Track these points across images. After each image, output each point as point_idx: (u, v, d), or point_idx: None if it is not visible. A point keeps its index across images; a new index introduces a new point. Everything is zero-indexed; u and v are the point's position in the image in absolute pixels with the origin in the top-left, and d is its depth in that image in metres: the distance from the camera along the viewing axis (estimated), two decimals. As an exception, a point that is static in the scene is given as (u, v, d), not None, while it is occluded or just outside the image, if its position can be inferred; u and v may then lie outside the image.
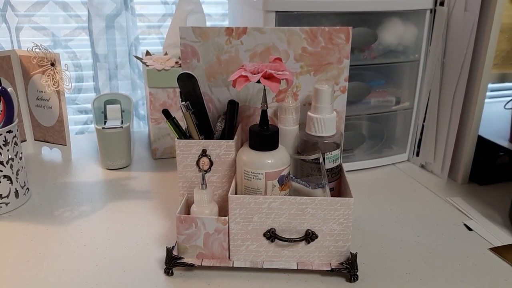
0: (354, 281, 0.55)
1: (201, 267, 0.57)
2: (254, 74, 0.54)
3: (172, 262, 0.56)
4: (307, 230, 0.56)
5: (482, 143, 0.83)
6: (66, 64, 0.86)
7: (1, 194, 0.70)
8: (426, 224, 0.69)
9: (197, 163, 0.61)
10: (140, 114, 1.17)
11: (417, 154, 0.91)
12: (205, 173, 0.61)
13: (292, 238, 0.56)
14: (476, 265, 0.59)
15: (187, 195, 0.62)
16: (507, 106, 1.05)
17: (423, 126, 0.88)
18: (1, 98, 0.70)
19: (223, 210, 0.61)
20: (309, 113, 0.62)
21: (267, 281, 0.55)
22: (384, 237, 0.65)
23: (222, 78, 0.65)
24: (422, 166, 0.90)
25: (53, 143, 0.93)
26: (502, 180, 0.83)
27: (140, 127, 1.18)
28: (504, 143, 0.95)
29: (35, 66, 0.87)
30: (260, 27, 0.63)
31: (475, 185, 0.82)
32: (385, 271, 0.58)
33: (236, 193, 0.59)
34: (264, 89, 0.56)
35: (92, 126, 1.10)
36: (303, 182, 0.60)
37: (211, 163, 0.61)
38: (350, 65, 0.65)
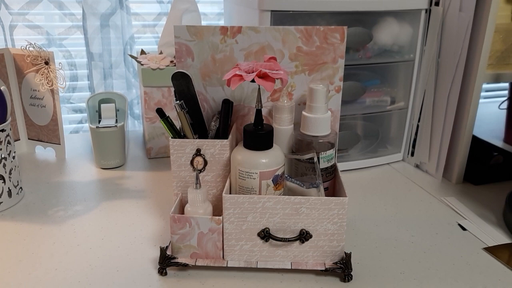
0: (348, 281, 0.55)
1: (195, 267, 0.57)
2: (249, 73, 0.53)
3: (166, 262, 0.56)
4: (302, 230, 0.55)
5: (477, 143, 0.83)
6: (60, 63, 0.86)
7: (-6, 194, 0.69)
8: (421, 224, 0.69)
9: (191, 162, 0.61)
10: (135, 113, 1.16)
11: (412, 154, 0.91)
12: (199, 173, 0.61)
13: (286, 238, 0.55)
14: (470, 264, 0.59)
15: (181, 194, 0.62)
16: (501, 106, 1.05)
17: (418, 126, 0.88)
18: (-6, 96, 0.70)
19: (217, 210, 0.61)
20: (303, 113, 0.62)
21: (261, 281, 0.55)
22: (379, 236, 0.65)
23: (216, 77, 0.65)
24: (417, 166, 0.90)
25: (47, 142, 0.92)
26: (496, 180, 0.83)
27: (135, 126, 1.17)
28: (499, 143, 0.95)
29: (29, 65, 0.87)
30: (255, 26, 0.63)
31: (470, 185, 0.82)
32: (380, 271, 0.58)
33: (230, 193, 0.59)
34: (259, 89, 0.56)
35: (87, 125, 1.10)
36: (298, 182, 0.60)
37: (205, 163, 0.61)
38: (345, 65, 0.65)
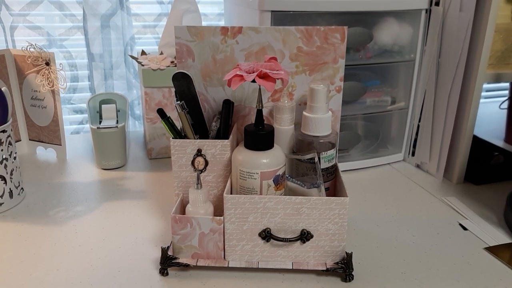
0: (349, 280, 0.55)
1: (196, 267, 0.57)
2: (249, 73, 0.53)
3: (167, 262, 0.56)
4: (303, 230, 0.55)
5: (477, 143, 0.83)
6: (61, 64, 0.86)
7: (-5, 194, 0.69)
8: (422, 224, 0.69)
9: (192, 162, 0.61)
10: (135, 114, 1.16)
11: (413, 154, 0.91)
12: (200, 173, 0.61)
13: (287, 238, 0.56)
14: (471, 264, 0.59)
15: (182, 195, 0.62)
16: (502, 106, 1.05)
17: (418, 126, 0.88)
18: (-5, 97, 0.70)
19: (219, 210, 0.61)
20: (304, 113, 0.62)
21: (263, 281, 0.55)
22: (380, 236, 0.65)
23: (217, 77, 0.65)
24: (418, 166, 0.90)
25: (48, 143, 0.92)
26: (497, 180, 0.83)
27: (135, 127, 1.17)
28: (499, 142, 0.95)
29: (29, 66, 0.87)
30: (256, 26, 0.63)
31: (470, 185, 0.82)
32: (380, 271, 0.58)
33: (231, 193, 0.59)
34: (259, 89, 0.56)
35: (87, 126, 1.10)
36: (299, 182, 0.60)
37: (206, 163, 0.61)
38: (346, 65, 0.65)
